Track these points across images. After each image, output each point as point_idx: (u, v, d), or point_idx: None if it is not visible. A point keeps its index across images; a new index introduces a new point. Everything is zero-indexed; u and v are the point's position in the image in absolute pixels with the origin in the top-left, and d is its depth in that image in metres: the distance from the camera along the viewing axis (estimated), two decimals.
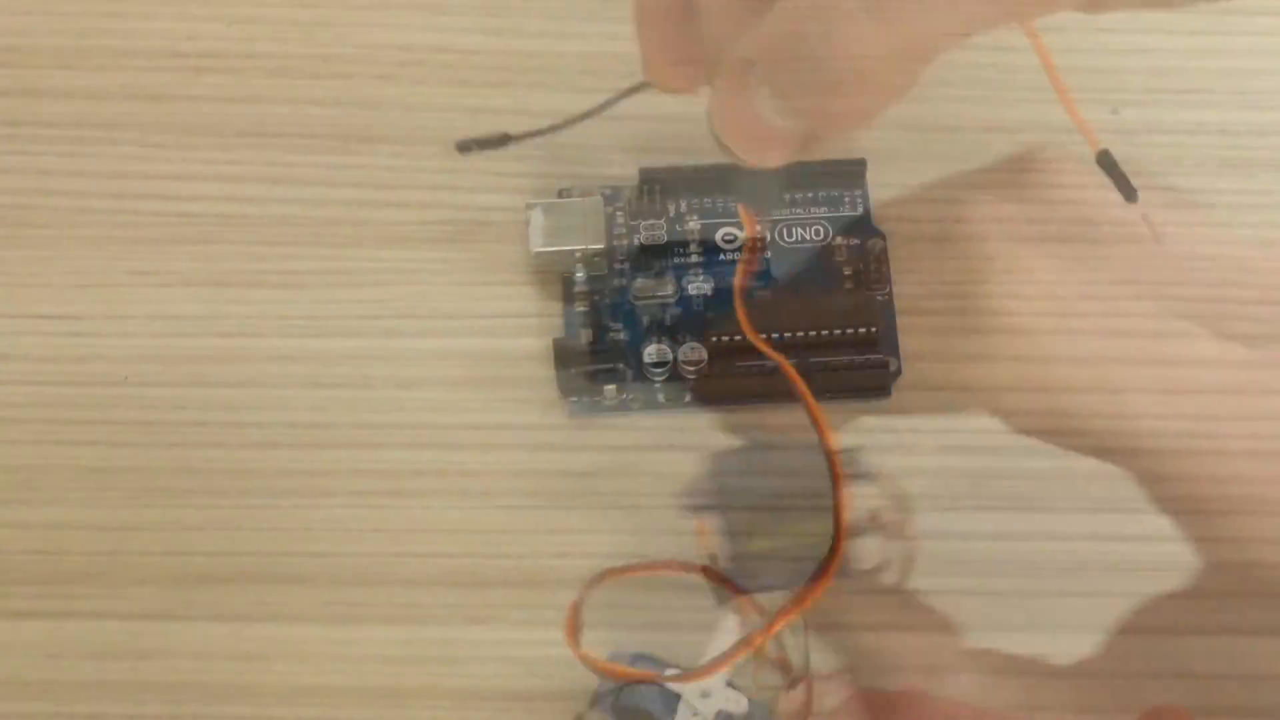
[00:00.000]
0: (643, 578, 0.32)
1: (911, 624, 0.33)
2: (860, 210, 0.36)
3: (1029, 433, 0.30)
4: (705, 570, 0.32)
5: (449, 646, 0.33)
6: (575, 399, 0.35)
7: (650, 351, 0.35)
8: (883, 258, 0.35)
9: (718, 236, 0.36)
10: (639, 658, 0.32)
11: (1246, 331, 0.31)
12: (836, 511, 0.28)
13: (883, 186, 0.36)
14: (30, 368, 0.35)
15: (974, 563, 0.34)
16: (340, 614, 0.33)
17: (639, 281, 0.35)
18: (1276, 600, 0.30)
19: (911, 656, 0.32)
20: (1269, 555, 0.30)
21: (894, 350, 0.35)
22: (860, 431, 0.33)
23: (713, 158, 0.27)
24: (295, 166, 0.37)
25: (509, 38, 0.39)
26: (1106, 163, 0.34)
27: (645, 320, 0.35)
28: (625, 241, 0.36)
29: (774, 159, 0.25)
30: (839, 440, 0.29)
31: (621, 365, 0.34)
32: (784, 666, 0.31)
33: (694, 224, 0.36)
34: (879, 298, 0.35)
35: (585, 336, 0.35)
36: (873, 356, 0.34)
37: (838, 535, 0.28)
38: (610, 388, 0.34)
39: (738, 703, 0.31)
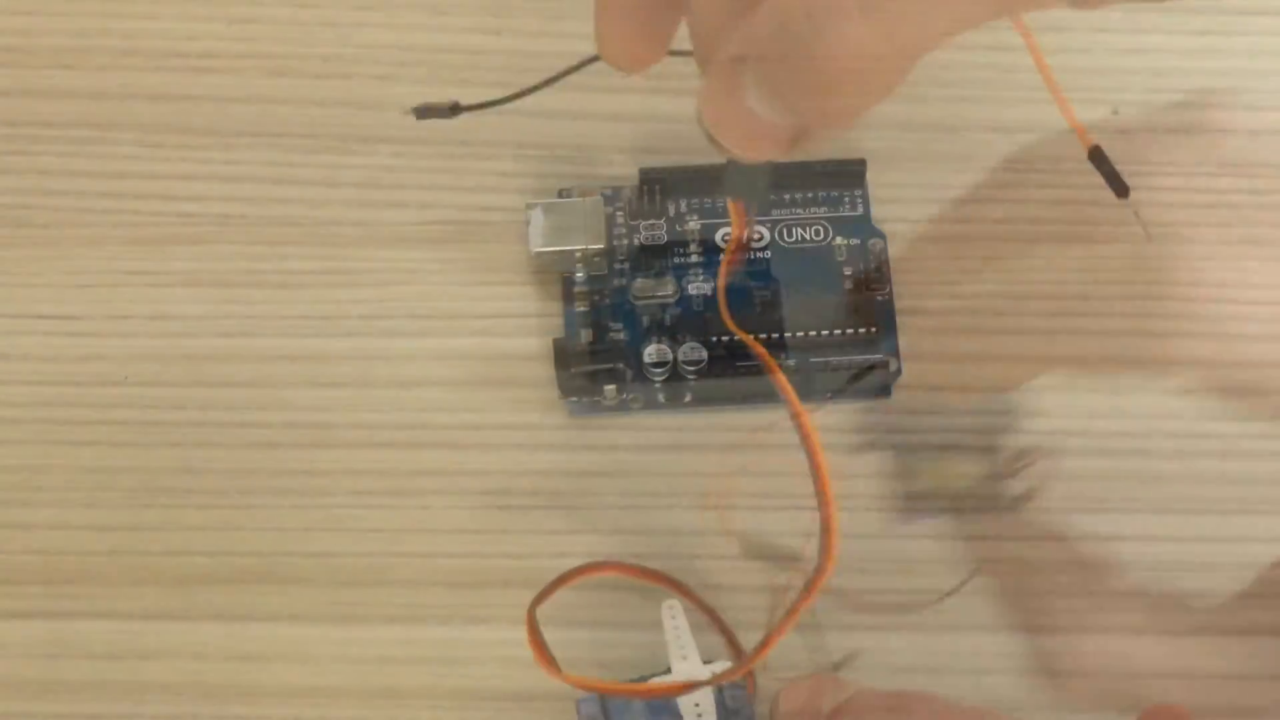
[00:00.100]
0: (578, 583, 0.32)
1: (911, 624, 0.33)
2: (860, 210, 0.36)
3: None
4: (636, 570, 0.32)
5: (449, 646, 0.33)
6: (575, 399, 0.35)
7: (650, 351, 0.35)
8: (883, 258, 0.35)
9: (717, 236, 0.36)
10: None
11: None
12: (824, 512, 0.27)
13: (883, 186, 0.36)
14: (30, 368, 0.35)
15: (972, 563, 0.34)
16: (340, 614, 0.33)
17: (639, 281, 0.35)
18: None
19: (912, 656, 0.32)
20: None
21: (894, 350, 0.35)
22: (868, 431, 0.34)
23: (713, 158, 0.26)
24: (295, 166, 0.37)
25: (509, 38, 0.38)
26: (1098, 159, 0.34)
27: (645, 320, 0.35)
28: (625, 241, 0.36)
29: (765, 155, 0.25)
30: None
31: (621, 365, 0.34)
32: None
33: (694, 224, 0.36)
34: (879, 298, 0.35)
35: (585, 336, 0.35)
36: (873, 356, 0.34)
37: (828, 539, 0.27)
38: (610, 388, 0.34)
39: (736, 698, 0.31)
